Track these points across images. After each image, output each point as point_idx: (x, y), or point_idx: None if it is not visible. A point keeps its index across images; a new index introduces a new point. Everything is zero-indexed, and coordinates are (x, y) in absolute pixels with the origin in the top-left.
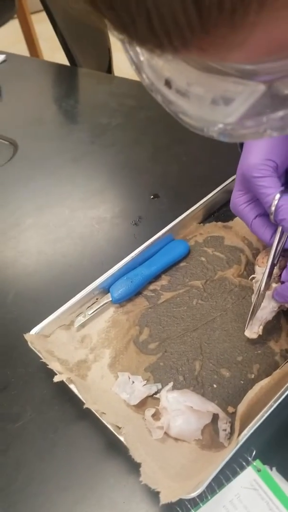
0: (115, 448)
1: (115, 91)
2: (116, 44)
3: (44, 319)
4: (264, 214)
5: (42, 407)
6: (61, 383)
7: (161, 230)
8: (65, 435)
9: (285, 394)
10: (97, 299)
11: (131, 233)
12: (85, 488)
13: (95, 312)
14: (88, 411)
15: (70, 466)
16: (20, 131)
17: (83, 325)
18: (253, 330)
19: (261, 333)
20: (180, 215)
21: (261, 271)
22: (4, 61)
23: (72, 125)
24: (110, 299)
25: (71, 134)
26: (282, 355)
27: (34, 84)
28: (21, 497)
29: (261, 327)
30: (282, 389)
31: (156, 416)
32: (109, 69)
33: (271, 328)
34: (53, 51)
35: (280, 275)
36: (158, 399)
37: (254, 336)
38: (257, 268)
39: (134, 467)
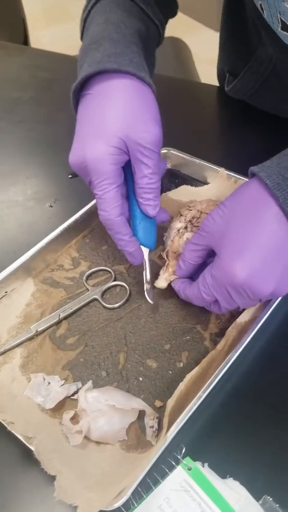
0: (30, 459)
1: (27, 62)
2: (32, 15)
3: None
4: None
5: None
6: None
7: (78, 210)
8: None
9: (214, 383)
10: (6, 292)
11: (47, 217)
12: None
13: (4, 307)
14: None
15: None
16: None
17: None
18: (164, 277)
19: (171, 280)
20: None
21: (175, 226)
22: None
23: None
24: None
25: None
26: (211, 339)
27: None
28: None
29: (173, 277)
30: (211, 378)
31: (75, 419)
32: (25, 42)
33: (199, 311)
34: None
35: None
36: (77, 400)
37: (164, 284)
38: (173, 223)
39: (53, 479)
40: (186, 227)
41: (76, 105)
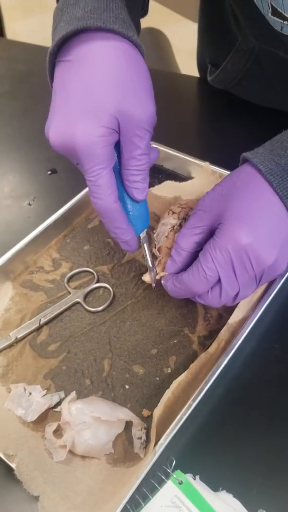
0: (12, 477)
1: (2, 55)
2: (7, 6)
3: None
4: None
5: None
6: None
7: (59, 209)
8: None
9: (204, 390)
10: None
11: (26, 216)
12: None
13: None
14: None
15: None
16: None
17: None
18: (153, 274)
19: (161, 276)
20: (81, 190)
21: (168, 222)
22: None
23: None
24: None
25: None
26: (200, 342)
27: None
28: None
29: (163, 273)
30: (201, 385)
31: (58, 432)
32: (0, 34)
33: (187, 313)
34: None
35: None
36: (60, 411)
37: (151, 280)
38: (165, 219)
39: (37, 498)
40: (180, 225)
41: (52, 73)
